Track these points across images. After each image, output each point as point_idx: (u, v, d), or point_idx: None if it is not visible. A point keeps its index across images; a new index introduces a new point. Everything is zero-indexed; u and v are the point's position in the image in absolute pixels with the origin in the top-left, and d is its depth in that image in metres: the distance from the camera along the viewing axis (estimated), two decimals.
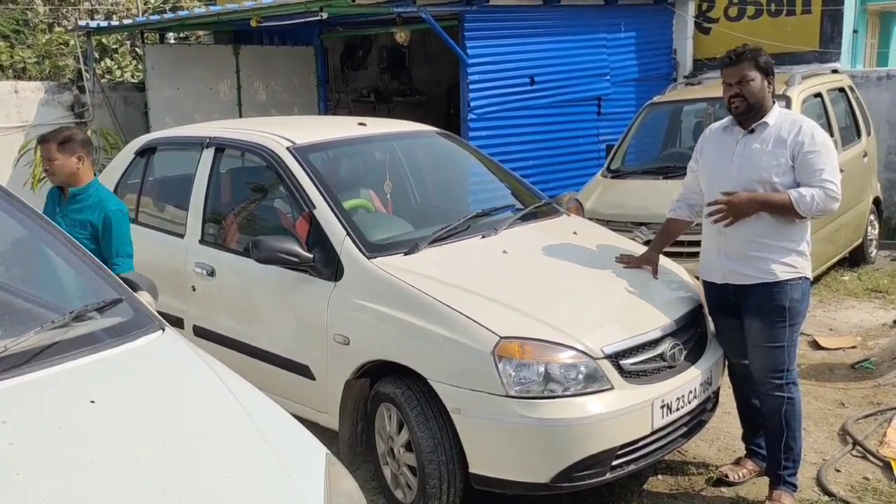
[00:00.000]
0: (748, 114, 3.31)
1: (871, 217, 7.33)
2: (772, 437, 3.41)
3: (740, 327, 3.42)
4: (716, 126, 3.56)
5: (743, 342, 3.42)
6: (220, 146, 4.36)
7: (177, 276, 4.23)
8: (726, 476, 3.62)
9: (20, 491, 1.72)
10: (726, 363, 3.64)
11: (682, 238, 3.98)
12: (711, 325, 3.67)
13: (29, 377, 2.07)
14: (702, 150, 3.56)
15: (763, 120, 3.31)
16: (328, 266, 3.57)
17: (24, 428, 1.91)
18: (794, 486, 3.40)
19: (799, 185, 3.24)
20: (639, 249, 4.07)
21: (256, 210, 4.43)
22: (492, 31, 7.69)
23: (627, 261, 3.72)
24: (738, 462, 3.71)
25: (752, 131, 3.33)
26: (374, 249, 3.56)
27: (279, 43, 10.76)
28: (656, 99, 7.13)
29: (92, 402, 2.03)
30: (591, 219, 4.90)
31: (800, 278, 3.31)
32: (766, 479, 3.50)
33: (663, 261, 3.83)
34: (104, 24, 10.48)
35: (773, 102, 3.36)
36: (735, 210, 3.26)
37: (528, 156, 8.02)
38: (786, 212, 3.23)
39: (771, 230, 3.27)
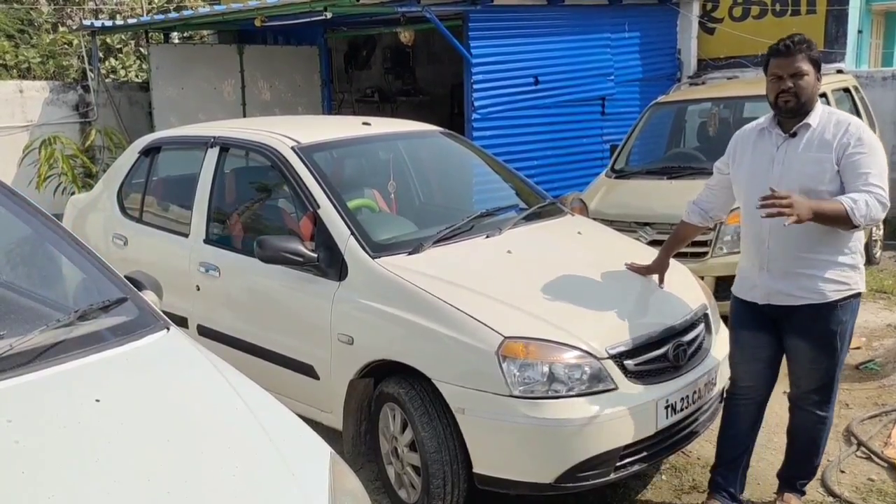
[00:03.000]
0: (797, 112, 2.98)
1: None
2: (797, 450, 3.30)
3: (770, 347, 3.18)
4: (749, 128, 3.22)
5: (765, 364, 3.21)
6: (225, 146, 4.37)
7: (181, 276, 4.23)
8: None
9: (25, 489, 1.72)
10: (728, 384, 3.40)
11: None
12: (715, 329, 3.65)
13: (34, 376, 2.08)
14: (734, 153, 3.24)
15: (805, 121, 2.99)
16: (332, 266, 3.57)
17: (29, 426, 1.92)
18: (803, 493, 3.38)
19: (845, 191, 2.89)
20: (642, 249, 4.07)
21: (261, 209, 4.43)
22: (496, 31, 7.69)
23: (636, 268, 3.61)
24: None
25: (794, 135, 3.01)
26: (378, 249, 3.56)
27: (283, 42, 10.78)
28: (660, 99, 7.12)
29: (97, 401, 2.03)
30: (595, 219, 4.89)
31: (852, 296, 3.03)
32: (769, 480, 3.49)
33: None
34: (108, 23, 10.51)
35: (818, 101, 3.04)
36: (797, 208, 2.74)
37: (533, 156, 8.03)
38: (840, 222, 2.86)
39: (819, 242, 2.96)
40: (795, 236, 2.97)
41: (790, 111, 2.99)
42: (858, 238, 3.05)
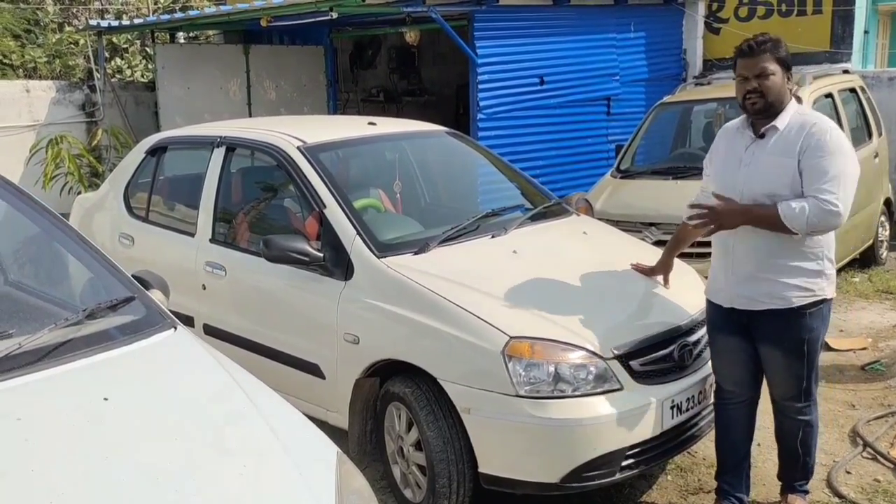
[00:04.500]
0: (765, 112, 2.96)
1: (882, 218, 7.30)
2: (787, 453, 3.29)
3: (744, 351, 3.16)
4: (730, 126, 3.22)
5: (745, 368, 3.19)
6: (231, 145, 4.38)
7: (187, 275, 4.24)
8: None
9: (35, 487, 1.73)
10: (714, 388, 3.37)
11: None
12: None
13: (43, 374, 2.09)
14: (713, 151, 3.26)
15: (773, 123, 2.96)
16: (338, 265, 3.57)
17: (39, 425, 1.93)
18: (806, 492, 3.37)
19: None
20: (648, 250, 4.07)
21: (267, 209, 4.44)
22: (501, 31, 7.69)
23: (641, 269, 3.62)
24: None
25: (762, 136, 2.99)
26: (384, 249, 3.56)
27: (289, 42, 10.79)
28: (666, 99, 7.12)
29: (105, 399, 2.04)
30: (600, 219, 4.89)
31: (819, 302, 2.99)
32: (775, 481, 3.48)
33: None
34: (115, 23, 10.54)
35: (791, 100, 3.01)
36: (718, 217, 2.93)
37: (538, 156, 8.02)
38: (776, 227, 2.87)
39: (781, 248, 2.94)
40: (760, 241, 2.96)
41: (757, 112, 2.97)
42: (827, 244, 3.01)
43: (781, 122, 2.97)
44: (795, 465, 3.30)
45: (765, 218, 2.88)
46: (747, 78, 2.95)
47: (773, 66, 2.92)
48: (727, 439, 3.33)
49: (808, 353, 3.06)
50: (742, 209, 2.92)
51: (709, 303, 3.29)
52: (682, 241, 3.63)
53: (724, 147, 3.19)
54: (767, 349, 3.11)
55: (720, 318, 3.21)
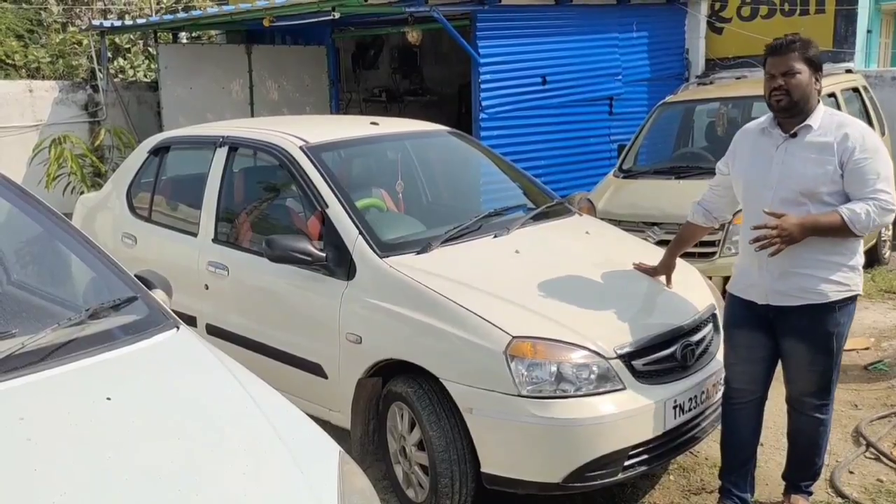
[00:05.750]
0: (790, 111, 2.98)
1: None
2: (798, 453, 3.29)
3: (764, 347, 3.16)
4: (751, 126, 3.23)
5: (761, 364, 3.18)
6: (234, 145, 4.38)
7: (190, 275, 4.25)
8: None
9: (37, 487, 1.74)
10: (723, 387, 3.36)
11: None
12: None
13: (46, 374, 2.09)
14: (735, 152, 3.24)
15: (806, 122, 2.98)
16: (341, 265, 3.58)
17: (41, 424, 1.93)
18: (810, 493, 3.37)
19: (848, 196, 2.92)
20: (650, 249, 4.06)
21: (269, 209, 4.44)
22: (504, 31, 7.69)
23: (643, 269, 3.62)
24: None
25: (795, 135, 3.00)
26: (386, 249, 3.56)
27: (291, 42, 10.80)
28: (669, 99, 7.11)
29: (108, 399, 2.04)
30: (603, 219, 4.89)
31: (850, 298, 3.03)
32: (778, 481, 3.48)
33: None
34: (117, 23, 10.56)
35: (819, 102, 3.04)
36: (787, 236, 2.89)
37: (540, 155, 8.02)
38: (840, 233, 2.91)
39: (820, 244, 2.95)
40: None
41: (783, 109, 3.00)
42: (858, 240, 3.04)
43: (814, 121, 3.00)
44: (805, 465, 3.29)
45: (831, 226, 2.90)
46: (774, 76, 2.98)
47: (799, 66, 2.95)
48: (734, 438, 3.33)
49: (836, 349, 3.06)
50: (808, 222, 2.91)
51: (734, 298, 3.26)
52: (685, 242, 3.63)
53: (748, 147, 3.18)
54: (793, 344, 3.10)
55: (747, 313, 3.19)
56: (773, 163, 3.04)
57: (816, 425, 3.19)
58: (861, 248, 3.07)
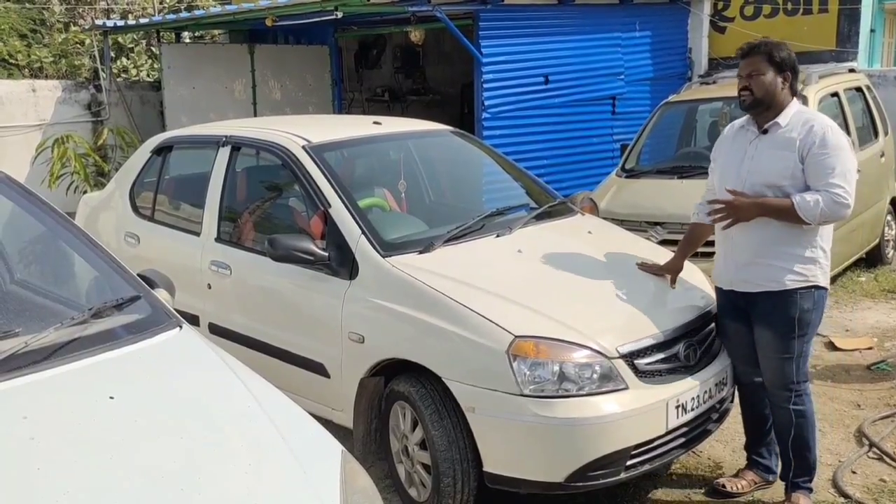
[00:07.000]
0: (755, 108, 3.20)
1: (889, 217, 7.27)
2: (785, 448, 3.34)
3: (748, 334, 3.33)
4: (735, 124, 3.44)
5: (750, 349, 3.34)
6: (236, 145, 4.38)
7: (193, 274, 4.25)
8: (723, 487, 3.50)
9: (40, 485, 1.74)
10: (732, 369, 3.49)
11: None
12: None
13: (49, 373, 2.10)
14: (719, 148, 3.47)
15: (776, 120, 3.18)
16: (343, 264, 3.58)
17: (44, 423, 1.94)
18: (810, 490, 3.38)
19: (808, 188, 3.09)
20: (653, 249, 4.06)
21: (272, 208, 4.45)
22: (506, 31, 7.69)
23: (650, 269, 3.64)
24: (737, 474, 3.58)
25: (766, 132, 3.21)
26: (388, 248, 3.56)
27: (294, 42, 10.81)
28: (671, 98, 7.10)
29: (111, 398, 2.05)
30: (605, 218, 4.89)
31: (810, 287, 3.17)
32: (778, 482, 3.48)
33: None
34: (120, 23, 10.57)
35: (793, 100, 3.23)
36: (735, 211, 3.17)
37: (543, 155, 8.02)
38: (789, 217, 3.09)
39: (779, 235, 3.15)
40: (758, 229, 3.17)
41: (748, 107, 3.23)
42: (823, 235, 3.19)
43: (783, 118, 3.19)
44: (796, 460, 3.33)
45: (780, 208, 3.10)
46: (741, 76, 3.23)
47: (763, 67, 3.17)
48: (750, 414, 3.54)
49: (798, 335, 3.19)
50: (758, 201, 3.14)
51: (716, 289, 3.50)
52: (693, 242, 3.68)
53: (729, 142, 3.41)
54: (760, 330, 3.27)
55: (726, 302, 3.41)
56: (745, 157, 3.25)
57: (795, 417, 3.27)
58: (823, 242, 3.20)
